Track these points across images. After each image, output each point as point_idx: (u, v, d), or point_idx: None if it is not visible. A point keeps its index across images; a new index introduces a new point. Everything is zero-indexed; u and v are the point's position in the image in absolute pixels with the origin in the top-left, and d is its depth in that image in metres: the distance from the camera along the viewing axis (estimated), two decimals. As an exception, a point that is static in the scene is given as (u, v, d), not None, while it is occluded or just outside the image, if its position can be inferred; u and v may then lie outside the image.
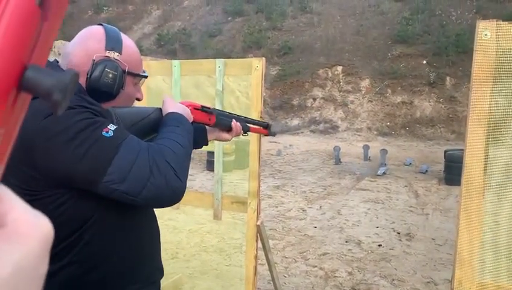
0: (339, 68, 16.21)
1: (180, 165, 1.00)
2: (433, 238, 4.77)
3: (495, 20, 1.46)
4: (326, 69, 16.34)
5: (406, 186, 7.60)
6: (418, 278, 3.71)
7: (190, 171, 1.09)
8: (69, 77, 0.23)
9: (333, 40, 17.43)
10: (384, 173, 8.61)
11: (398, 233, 4.95)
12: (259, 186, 2.28)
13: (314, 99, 15.72)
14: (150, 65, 2.54)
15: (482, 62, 1.47)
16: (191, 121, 1.20)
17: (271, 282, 2.65)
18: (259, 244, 2.33)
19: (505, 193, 1.60)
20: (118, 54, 1.04)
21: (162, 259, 1.24)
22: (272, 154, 10.92)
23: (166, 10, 23.79)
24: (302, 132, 14.54)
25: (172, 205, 1.02)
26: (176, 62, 2.52)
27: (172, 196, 0.98)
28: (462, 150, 1.59)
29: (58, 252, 0.96)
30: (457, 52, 14.79)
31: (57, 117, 0.88)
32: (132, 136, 0.98)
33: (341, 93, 15.59)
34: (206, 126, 1.37)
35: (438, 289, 3.53)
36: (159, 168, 0.95)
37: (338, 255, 4.21)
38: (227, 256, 4.06)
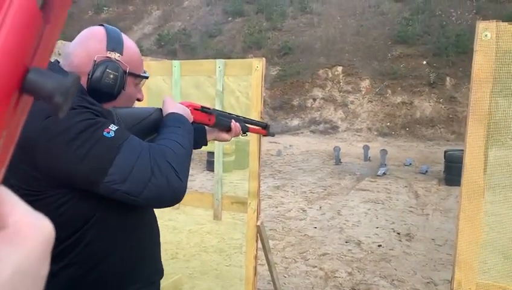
0: (339, 68, 16.21)
1: (181, 166, 1.00)
2: (433, 239, 4.77)
3: (495, 20, 1.46)
4: (326, 69, 16.34)
5: (406, 186, 7.60)
6: (417, 278, 3.71)
7: (190, 172, 1.09)
8: (70, 80, 0.23)
9: (333, 40, 17.44)
10: (384, 174, 8.61)
11: (398, 233, 4.95)
12: (259, 186, 2.29)
13: (314, 99, 15.72)
14: (150, 65, 2.54)
15: (482, 63, 1.47)
16: (191, 121, 1.20)
17: (271, 282, 2.65)
18: (259, 245, 2.33)
19: (505, 194, 1.60)
20: (119, 54, 1.05)
21: (162, 259, 1.24)
22: (272, 155, 10.92)
23: (167, 10, 23.79)
24: (302, 132, 14.54)
25: (173, 205, 1.02)
26: (176, 62, 2.52)
27: (174, 196, 0.98)
28: (462, 150, 1.59)
29: (59, 252, 0.96)
30: (457, 52, 14.79)
31: (58, 117, 0.88)
32: (133, 137, 0.98)
33: (341, 93, 15.59)
34: (206, 126, 1.37)
35: (437, 290, 3.54)
36: (160, 169, 0.96)
37: (338, 255, 4.21)
38: (227, 256, 4.06)
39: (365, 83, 15.54)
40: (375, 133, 13.91)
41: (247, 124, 1.49)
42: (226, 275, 3.61)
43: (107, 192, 0.93)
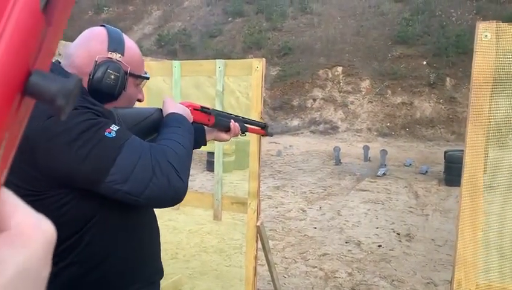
0: (339, 69, 16.21)
1: (181, 166, 1.01)
2: (433, 239, 4.77)
3: (495, 21, 1.47)
4: (327, 69, 16.34)
5: (405, 187, 7.60)
6: (417, 278, 3.71)
7: (190, 172, 1.10)
8: (73, 83, 0.23)
9: (333, 40, 17.44)
10: (384, 174, 8.61)
11: (398, 234, 4.95)
12: (259, 186, 2.29)
13: (314, 100, 15.73)
14: (150, 65, 2.54)
15: (481, 63, 1.47)
16: (191, 121, 1.20)
17: (271, 283, 2.65)
18: (259, 245, 2.33)
19: (505, 194, 1.60)
20: (120, 55, 1.05)
21: (162, 259, 1.24)
22: (272, 155, 10.92)
23: (167, 11, 23.80)
24: (302, 133, 14.54)
25: (174, 205, 1.03)
26: (176, 63, 2.52)
27: (175, 196, 0.99)
28: (462, 150, 1.59)
29: (60, 252, 0.96)
30: (458, 53, 14.80)
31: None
32: (134, 137, 0.99)
33: (341, 94, 15.60)
34: (205, 126, 1.38)
35: (437, 290, 3.54)
36: (162, 169, 0.96)
37: (338, 255, 4.21)
38: (227, 257, 4.06)
39: (365, 84, 15.54)
40: (375, 133, 13.91)
41: (246, 124, 1.50)
42: (226, 276, 3.61)
43: (108, 192, 0.94)
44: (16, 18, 0.21)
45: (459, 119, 13.35)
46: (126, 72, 1.05)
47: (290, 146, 12.27)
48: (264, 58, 2.21)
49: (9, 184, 0.23)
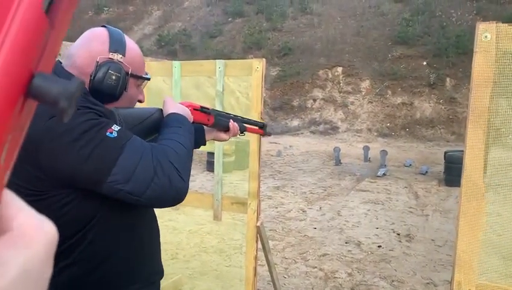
0: (339, 69, 16.21)
1: (183, 166, 1.01)
2: (432, 240, 4.77)
3: (495, 22, 1.47)
4: (327, 70, 16.34)
5: (405, 187, 7.60)
6: (417, 279, 3.71)
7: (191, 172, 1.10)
8: (75, 85, 0.24)
9: (333, 41, 17.45)
10: (384, 174, 8.61)
11: (398, 234, 4.95)
12: (259, 187, 2.29)
13: (314, 100, 15.73)
14: (151, 66, 2.54)
15: (481, 64, 1.48)
16: (191, 121, 1.20)
17: (271, 283, 2.65)
18: (259, 245, 2.33)
19: (505, 194, 1.60)
20: (121, 56, 1.05)
21: (162, 260, 1.24)
22: (272, 155, 10.92)
23: (167, 11, 23.81)
24: (302, 133, 14.55)
25: (175, 205, 1.03)
26: (176, 63, 2.52)
27: (176, 196, 0.99)
28: (462, 151, 1.59)
29: (61, 251, 0.96)
30: (458, 53, 14.80)
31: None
32: (136, 137, 0.99)
33: (341, 94, 15.60)
34: (204, 126, 1.38)
35: (437, 290, 3.54)
36: (163, 169, 0.96)
37: (338, 256, 4.21)
38: (227, 257, 4.06)
39: (365, 84, 15.54)
40: (375, 133, 13.91)
41: (244, 124, 1.51)
42: (226, 276, 3.61)
43: (110, 192, 0.94)
44: (20, 21, 0.21)
45: (459, 119, 13.36)
46: (127, 73, 1.06)
47: (290, 146, 12.27)
48: (264, 59, 2.21)
49: (10, 184, 0.23)
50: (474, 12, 16.74)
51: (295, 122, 15.19)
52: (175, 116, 1.14)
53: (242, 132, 1.49)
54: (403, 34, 16.38)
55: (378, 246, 4.52)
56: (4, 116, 0.21)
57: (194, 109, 1.28)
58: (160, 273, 1.22)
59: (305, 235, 4.86)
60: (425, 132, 13.67)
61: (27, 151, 0.87)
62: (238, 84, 2.93)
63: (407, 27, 16.71)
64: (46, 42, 0.23)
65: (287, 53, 17.61)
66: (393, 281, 3.65)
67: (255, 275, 2.29)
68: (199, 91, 3.01)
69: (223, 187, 2.55)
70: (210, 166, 7.88)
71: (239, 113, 1.53)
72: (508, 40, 1.45)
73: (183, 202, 1.04)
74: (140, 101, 1.17)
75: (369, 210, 6.00)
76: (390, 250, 4.41)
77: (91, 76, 1.01)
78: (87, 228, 0.99)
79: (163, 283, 1.26)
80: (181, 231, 4.74)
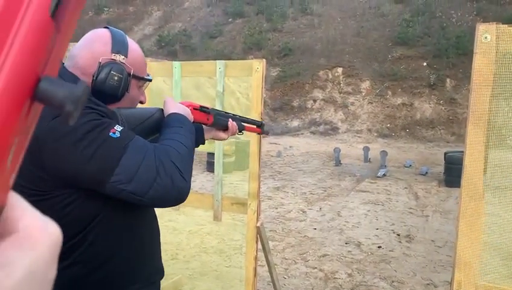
0: (339, 70, 16.22)
1: (184, 166, 1.02)
2: (432, 240, 4.77)
3: (495, 23, 1.47)
4: (327, 70, 16.35)
5: (405, 188, 7.60)
6: (417, 280, 3.70)
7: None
8: (81, 89, 0.24)
9: (333, 41, 17.46)
10: (384, 175, 8.61)
11: (398, 235, 4.95)
12: (259, 187, 2.29)
13: (315, 100, 15.73)
14: (151, 66, 2.54)
15: (481, 65, 1.48)
16: (191, 121, 1.21)
17: (271, 283, 2.65)
18: (259, 246, 2.33)
19: (505, 195, 1.60)
20: (123, 57, 1.05)
21: (162, 260, 1.25)
22: (272, 156, 10.92)
23: (167, 11, 23.83)
24: (302, 133, 14.55)
25: (177, 205, 1.04)
26: (176, 63, 2.53)
27: (178, 196, 1.00)
28: (462, 152, 1.59)
29: (63, 252, 0.96)
30: (458, 54, 14.81)
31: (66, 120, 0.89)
32: (138, 137, 1.00)
33: (341, 94, 15.61)
34: (204, 125, 1.38)
35: (437, 291, 3.54)
36: (165, 169, 0.97)
37: (338, 256, 4.21)
38: (227, 257, 4.06)
39: (365, 84, 15.55)
40: (375, 134, 13.91)
41: (243, 123, 1.51)
42: (226, 276, 3.61)
43: (113, 192, 0.94)
44: (28, 25, 0.21)
45: (459, 120, 13.36)
46: (129, 74, 1.06)
47: (290, 147, 12.28)
48: (264, 59, 2.21)
49: (14, 185, 0.23)
50: (475, 13, 16.75)
51: (295, 123, 15.20)
52: (176, 116, 1.14)
53: (240, 131, 1.49)
54: (403, 34, 16.40)
55: (378, 247, 4.52)
56: (11, 119, 0.21)
57: (194, 109, 1.29)
58: (160, 273, 1.23)
59: (305, 235, 4.86)
60: (426, 132, 13.67)
61: (30, 151, 0.87)
62: (238, 85, 2.93)
63: (408, 28, 16.73)
64: (53, 46, 0.23)
65: (287, 54, 17.63)
66: (393, 281, 3.65)
67: (255, 275, 2.29)
68: (199, 92, 3.01)
69: (223, 188, 2.55)
70: (210, 166, 7.88)
71: (239, 114, 1.54)
72: (508, 41, 1.45)
73: (184, 202, 1.05)
74: (141, 102, 1.18)
75: (369, 211, 6.00)
76: (390, 251, 4.41)
77: (93, 77, 1.02)
78: (89, 228, 0.99)
79: (163, 283, 1.26)
80: (181, 232, 4.74)
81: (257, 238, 2.27)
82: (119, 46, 1.05)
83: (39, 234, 0.23)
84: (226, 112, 1.46)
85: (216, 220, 2.56)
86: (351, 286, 3.54)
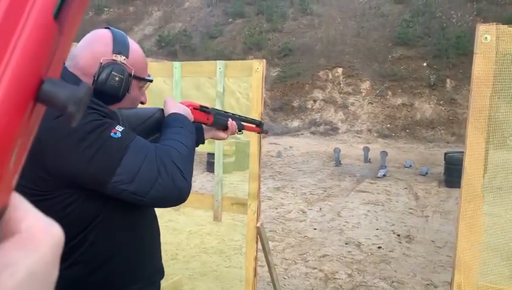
0: (339, 70, 16.23)
1: (185, 166, 1.02)
2: (432, 241, 4.77)
3: (495, 23, 1.47)
4: (327, 70, 16.36)
5: (405, 188, 7.60)
6: (417, 280, 3.70)
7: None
8: (83, 91, 0.24)
9: (334, 42, 17.46)
10: (384, 175, 8.61)
11: (398, 235, 4.95)
12: (259, 187, 2.29)
13: (315, 101, 15.74)
14: (151, 66, 2.54)
15: (481, 65, 1.48)
16: (192, 121, 1.21)
17: (271, 284, 2.65)
18: (259, 246, 2.33)
19: (505, 196, 1.60)
20: (124, 57, 1.05)
21: (162, 260, 1.25)
22: (272, 156, 10.92)
23: (167, 11, 23.83)
24: (302, 134, 14.55)
25: (178, 205, 1.04)
26: (176, 64, 2.53)
27: (179, 196, 1.00)
28: (462, 152, 1.59)
29: (64, 252, 0.96)
30: (458, 54, 14.82)
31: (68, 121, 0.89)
32: (139, 138, 1.00)
33: (341, 95, 15.61)
34: (203, 125, 1.39)
35: (437, 292, 3.54)
36: (166, 169, 0.97)
37: (338, 257, 4.21)
38: (227, 257, 4.06)
39: (365, 85, 15.55)
40: (376, 134, 13.92)
41: (242, 122, 1.52)
42: (226, 277, 3.61)
43: (114, 192, 0.94)
44: (31, 27, 0.21)
45: (459, 120, 13.37)
46: (130, 75, 1.06)
47: (290, 147, 12.28)
48: (264, 59, 2.21)
49: (16, 185, 0.23)
50: (475, 13, 16.76)
51: (295, 123, 15.20)
52: (176, 116, 1.14)
53: (240, 130, 1.50)
54: (403, 35, 16.40)
55: (378, 247, 4.52)
56: (14, 121, 0.21)
57: (194, 108, 1.29)
58: (160, 273, 1.23)
59: (305, 236, 4.86)
60: (426, 133, 13.68)
61: (31, 151, 0.87)
62: (238, 85, 2.94)
63: (408, 28, 16.73)
64: (56, 48, 0.23)
65: (287, 54, 17.64)
66: (393, 282, 3.65)
67: (255, 275, 2.29)
68: (199, 92, 3.01)
69: (223, 188, 2.55)
70: (210, 167, 7.88)
71: (239, 114, 1.54)
72: (508, 41, 1.45)
73: (184, 202, 1.05)
74: (142, 103, 1.18)
75: (369, 211, 6.00)
76: (390, 251, 4.41)
77: (94, 77, 1.02)
78: (89, 228, 0.99)
79: (163, 283, 1.26)
80: (181, 232, 4.74)
81: (257, 238, 2.27)
82: (120, 47, 1.05)
83: (42, 235, 0.23)
84: (225, 112, 1.47)
85: (216, 221, 2.56)
86: (351, 287, 3.54)
